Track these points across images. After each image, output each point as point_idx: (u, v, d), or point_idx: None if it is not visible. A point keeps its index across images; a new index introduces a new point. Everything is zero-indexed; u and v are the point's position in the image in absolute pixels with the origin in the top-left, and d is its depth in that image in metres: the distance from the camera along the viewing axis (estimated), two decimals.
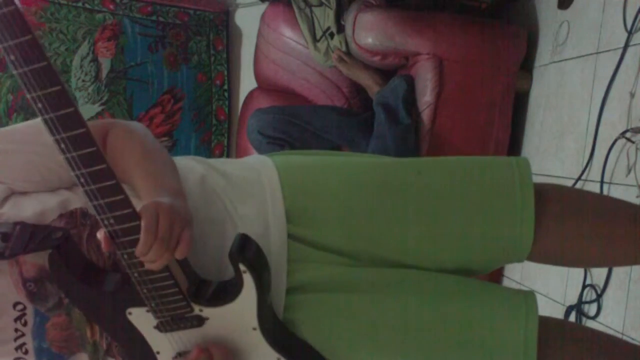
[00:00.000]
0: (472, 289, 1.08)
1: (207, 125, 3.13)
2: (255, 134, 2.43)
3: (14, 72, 0.72)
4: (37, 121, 1.00)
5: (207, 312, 0.94)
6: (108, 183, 0.81)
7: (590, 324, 1.88)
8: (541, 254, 1.09)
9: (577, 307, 1.93)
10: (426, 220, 1.05)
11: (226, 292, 0.94)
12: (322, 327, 1.04)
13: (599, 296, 1.84)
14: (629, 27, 1.83)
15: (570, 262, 1.32)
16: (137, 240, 0.84)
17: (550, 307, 2.09)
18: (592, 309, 1.88)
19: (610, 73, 1.88)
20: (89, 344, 1.00)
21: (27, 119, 2.84)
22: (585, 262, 1.47)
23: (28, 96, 0.73)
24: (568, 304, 1.98)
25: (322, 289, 1.04)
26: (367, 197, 1.06)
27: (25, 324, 0.96)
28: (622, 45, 1.85)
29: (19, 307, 0.96)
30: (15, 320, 0.96)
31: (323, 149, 2.43)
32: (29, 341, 0.98)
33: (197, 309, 0.94)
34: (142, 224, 0.84)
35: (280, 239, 1.02)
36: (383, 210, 1.05)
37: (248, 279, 0.90)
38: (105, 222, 0.84)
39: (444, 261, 1.08)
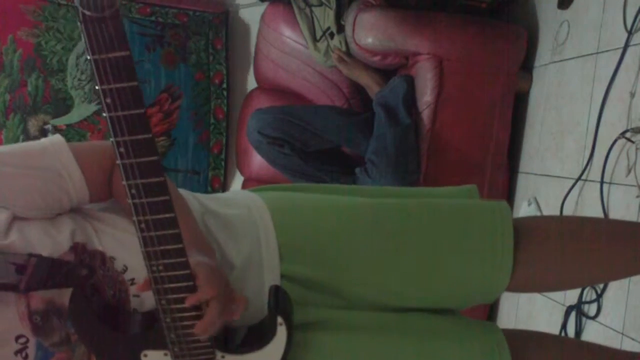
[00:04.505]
0: (459, 327, 1.18)
1: (206, 124, 3.12)
2: (255, 134, 2.42)
3: (105, 114, 0.71)
4: (38, 143, 0.97)
5: (229, 358, 0.95)
6: (171, 232, 0.81)
7: (590, 324, 1.88)
8: (518, 288, 1.21)
9: (577, 307, 1.93)
10: (412, 263, 1.12)
11: (254, 341, 0.95)
12: None
13: (599, 296, 1.85)
14: (629, 27, 1.83)
15: (547, 289, 1.46)
16: (181, 288, 0.85)
17: (550, 307, 2.09)
18: (592, 309, 1.88)
19: (610, 73, 1.88)
20: None
21: (23, 119, 2.85)
22: (559, 288, 1.56)
23: (112, 139, 0.72)
24: (568, 304, 1.99)
25: (321, 329, 1.07)
26: (358, 240, 1.11)
27: (25, 357, 0.93)
28: (622, 45, 1.85)
29: (22, 340, 0.93)
30: (16, 353, 0.93)
31: (323, 149, 2.44)
32: None
33: (219, 355, 0.94)
34: (201, 277, 0.85)
35: (273, 278, 1.05)
36: (371, 252, 1.11)
37: (282, 331, 0.93)
38: (154, 267, 0.84)
39: (424, 301, 1.15)
